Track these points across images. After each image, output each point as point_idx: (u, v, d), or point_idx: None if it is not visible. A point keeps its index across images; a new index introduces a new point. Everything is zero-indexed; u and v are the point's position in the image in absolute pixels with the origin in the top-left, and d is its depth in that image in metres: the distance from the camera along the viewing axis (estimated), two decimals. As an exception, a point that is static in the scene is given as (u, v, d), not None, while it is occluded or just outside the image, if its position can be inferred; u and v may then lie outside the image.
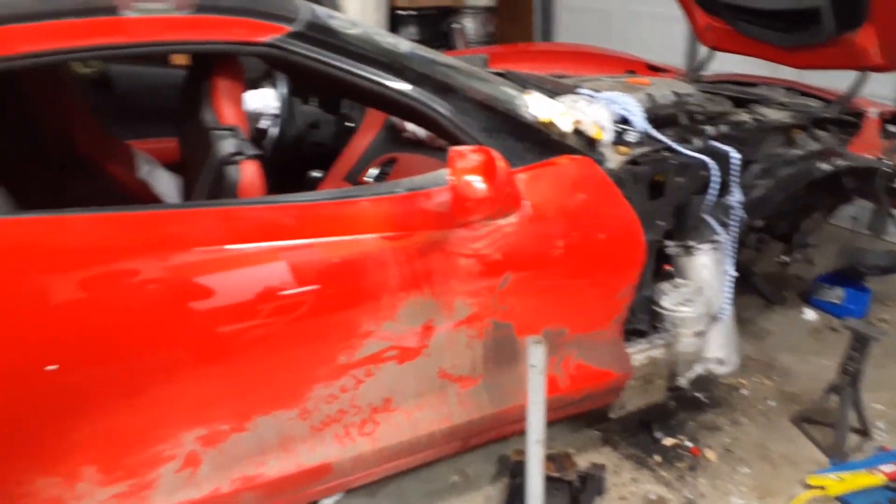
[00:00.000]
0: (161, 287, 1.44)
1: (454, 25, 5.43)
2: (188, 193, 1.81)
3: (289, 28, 1.65)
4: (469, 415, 1.86)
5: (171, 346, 1.46)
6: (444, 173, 1.66)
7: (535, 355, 1.48)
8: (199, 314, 1.47)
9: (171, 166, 2.50)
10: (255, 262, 1.51)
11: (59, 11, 1.54)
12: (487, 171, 1.45)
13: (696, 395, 2.33)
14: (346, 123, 2.79)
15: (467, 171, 1.44)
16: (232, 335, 1.49)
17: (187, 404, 1.52)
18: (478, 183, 1.43)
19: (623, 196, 1.88)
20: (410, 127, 2.33)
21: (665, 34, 4.66)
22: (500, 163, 1.51)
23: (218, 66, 1.76)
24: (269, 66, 2.68)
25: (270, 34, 1.62)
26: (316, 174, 2.70)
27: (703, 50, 3.09)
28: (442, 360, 1.77)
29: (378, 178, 2.44)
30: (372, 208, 1.63)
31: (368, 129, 2.56)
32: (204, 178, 1.70)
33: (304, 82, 2.17)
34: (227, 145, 1.65)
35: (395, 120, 2.44)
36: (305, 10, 1.77)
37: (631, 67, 3.11)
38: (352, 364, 1.63)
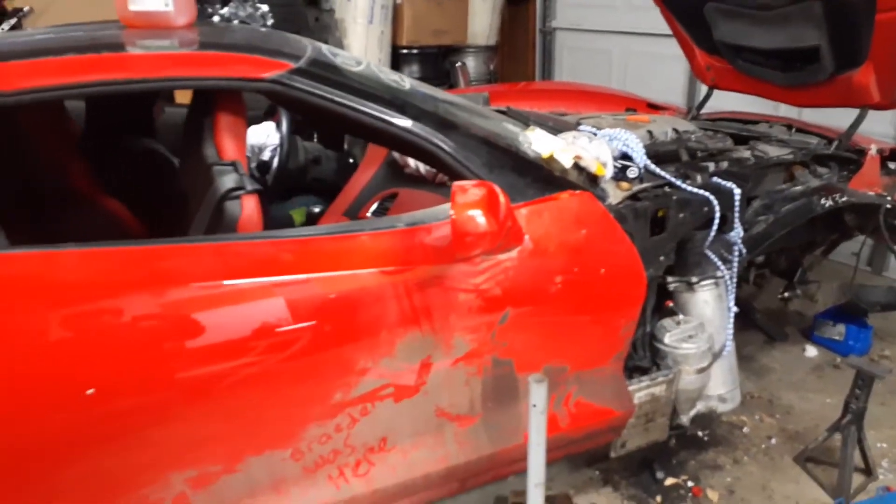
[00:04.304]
0: (154, 324, 1.41)
1: (456, 64, 5.49)
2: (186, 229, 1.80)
3: (292, 65, 1.66)
4: (467, 455, 1.82)
5: (162, 385, 1.43)
6: (446, 208, 1.65)
7: (538, 394, 1.45)
8: (192, 352, 1.44)
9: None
10: (251, 299, 1.49)
11: (64, 48, 1.56)
12: (489, 205, 1.44)
13: (698, 433, 2.28)
14: (350, 160, 2.80)
15: (469, 205, 1.42)
16: (225, 373, 1.46)
17: (177, 445, 1.48)
18: (479, 217, 1.42)
19: (624, 231, 1.87)
20: (413, 163, 2.33)
21: (665, 74, 4.72)
22: (502, 198, 1.50)
23: (220, 101, 1.77)
24: (272, 103, 2.70)
25: (273, 70, 1.63)
26: (315, 209, 2.70)
27: (702, 89, 3.11)
28: (440, 399, 1.73)
29: (377, 213, 2.43)
30: (371, 242, 1.62)
31: (369, 165, 2.56)
32: (203, 214, 1.69)
33: (308, 118, 2.18)
34: (228, 180, 1.64)
35: (397, 156, 2.45)
36: (312, 48, 1.80)
37: (631, 106, 3.12)
38: (347, 402, 1.60)
